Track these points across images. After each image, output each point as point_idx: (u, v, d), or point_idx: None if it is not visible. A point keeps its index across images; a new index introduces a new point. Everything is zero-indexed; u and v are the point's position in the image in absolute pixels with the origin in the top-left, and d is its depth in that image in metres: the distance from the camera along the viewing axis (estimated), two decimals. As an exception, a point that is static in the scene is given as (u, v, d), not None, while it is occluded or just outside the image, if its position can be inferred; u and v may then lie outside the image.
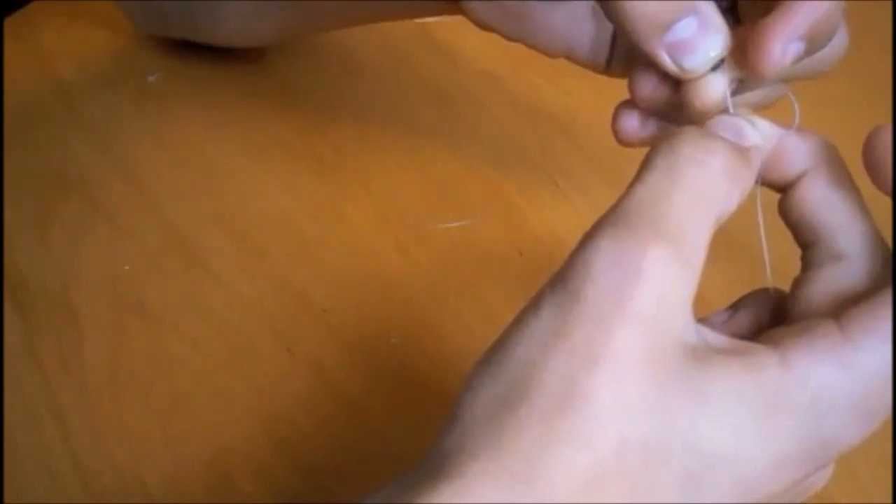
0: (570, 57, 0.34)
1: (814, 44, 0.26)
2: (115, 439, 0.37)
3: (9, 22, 0.54)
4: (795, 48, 0.26)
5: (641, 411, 0.21)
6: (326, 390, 0.39)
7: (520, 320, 0.23)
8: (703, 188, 0.23)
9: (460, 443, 0.22)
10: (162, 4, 0.49)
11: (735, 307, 0.29)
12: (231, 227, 0.45)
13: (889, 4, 0.50)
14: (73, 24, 0.54)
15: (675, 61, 0.26)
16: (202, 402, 0.39)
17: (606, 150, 0.46)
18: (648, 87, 0.28)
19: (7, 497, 0.35)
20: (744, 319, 0.28)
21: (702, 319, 0.26)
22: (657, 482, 0.21)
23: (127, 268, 0.43)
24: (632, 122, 0.30)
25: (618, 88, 0.48)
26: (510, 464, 0.21)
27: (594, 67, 0.36)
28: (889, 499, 0.36)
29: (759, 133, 0.26)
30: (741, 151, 0.25)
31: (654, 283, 0.22)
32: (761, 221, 0.28)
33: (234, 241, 0.44)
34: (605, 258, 0.22)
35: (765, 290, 0.29)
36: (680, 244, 0.22)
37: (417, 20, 0.53)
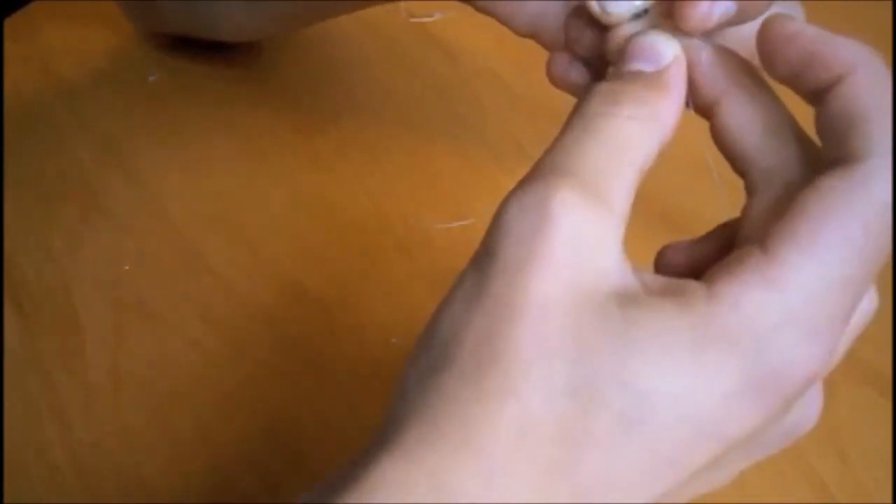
0: (535, 36, 0.34)
1: (745, 11, 0.25)
2: (115, 439, 0.37)
3: (9, 22, 0.54)
4: (724, 7, 0.25)
5: (566, 357, 0.21)
6: (327, 390, 0.39)
7: (449, 288, 0.23)
8: (614, 138, 0.23)
9: (400, 414, 0.22)
10: (158, 3, 0.49)
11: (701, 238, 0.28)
12: (231, 226, 0.45)
13: (889, 4, 0.50)
14: (74, 24, 0.54)
15: (600, 4, 0.26)
16: (202, 402, 0.39)
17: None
18: (576, 30, 0.29)
19: (7, 497, 0.35)
20: (703, 249, 0.28)
21: (670, 246, 0.27)
22: (596, 426, 0.21)
23: (127, 268, 0.43)
24: (561, 65, 0.30)
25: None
26: (445, 428, 0.21)
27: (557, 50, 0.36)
28: (889, 499, 0.36)
29: (677, 46, 0.25)
30: (654, 83, 0.25)
31: (567, 228, 0.21)
32: (708, 151, 0.28)
33: (234, 240, 0.44)
34: (515, 210, 0.22)
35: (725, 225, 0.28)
36: (594, 188, 0.22)
37: (416, 19, 0.53)
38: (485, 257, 0.22)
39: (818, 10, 0.51)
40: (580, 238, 0.21)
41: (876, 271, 0.22)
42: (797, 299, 0.21)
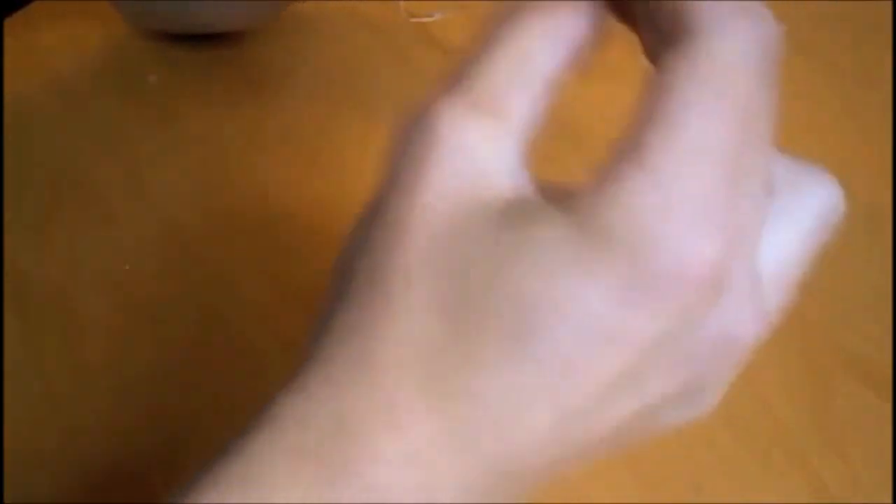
0: None
1: None
2: (116, 439, 0.37)
3: (9, 22, 0.54)
4: None
5: (452, 275, 0.20)
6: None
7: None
8: (511, 52, 0.22)
9: (307, 349, 0.22)
10: (150, 2, 0.49)
11: None
12: (231, 226, 0.45)
13: (889, 4, 0.50)
14: (74, 24, 0.54)
15: None
16: (203, 402, 0.39)
17: (607, 149, 0.46)
18: None
19: (7, 497, 0.35)
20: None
21: None
22: (486, 341, 0.20)
23: (127, 268, 0.43)
24: None
25: (619, 88, 0.48)
26: (338, 356, 0.21)
27: None
28: (889, 499, 0.36)
29: None
30: None
31: (454, 146, 0.21)
32: None
33: (235, 239, 0.44)
34: (405, 133, 0.22)
35: None
36: (487, 104, 0.21)
37: (416, 19, 0.53)
38: (382, 182, 0.22)
39: (818, 10, 0.51)
40: (469, 155, 0.21)
41: (761, 134, 0.21)
42: (672, 184, 0.19)
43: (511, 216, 0.20)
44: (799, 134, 0.46)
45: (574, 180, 0.21)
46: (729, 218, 0.20)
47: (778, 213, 0.23)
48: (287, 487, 0.20)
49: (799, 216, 0.23)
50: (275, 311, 0.42)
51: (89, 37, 0.54)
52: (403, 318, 0.20)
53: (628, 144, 0.20)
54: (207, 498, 0.20)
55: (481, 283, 0.20)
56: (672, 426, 0.24)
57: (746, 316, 0.21)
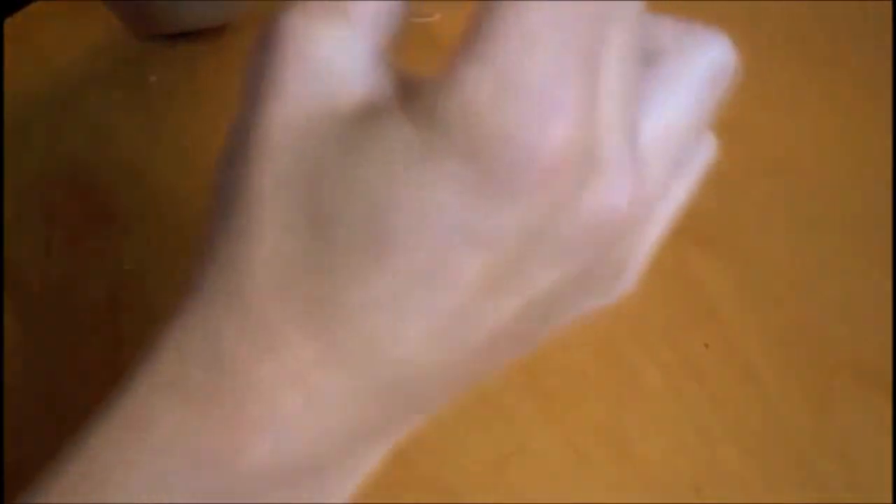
0: None
1: None
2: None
3: (9, 22, 0.54)
4: None
5: (302, 188, 0.19)
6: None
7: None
8: None
9: (189, 283, 0.21)
10: (144, 3, 0.49)
11: None
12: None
13: (889, 4, 0.50)
14: (74, 25, 0.54)
15: None
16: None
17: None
18: None
19: (7, 497, 0.35)
20: None
21: None
22: (347, 254, 0.19)
23: (127, 268, 0.43)
24: None
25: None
26: (213, 288, 0.20)
27: None
28: (889, 499, 0.36)
29: None
30: None
31: (299, 53, 0.20)
32: None
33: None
34: (255, 47, 0.21)
35: None
36: (334, 7, 0.21)
37: (416, 19, 0.53)
38: (241, 97, 0.21)
39: (818, 10, 0.51)
40: (319, 61, 0.20)
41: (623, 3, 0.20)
42: (508, 70, 0.18)
43: (360, 121, 0.19)
44: (799, 134, 0.46)
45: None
46: (581, 95, 0.18)
47: (665, 78, 0.22)
48: (166, 422, 0.20)
49: (687, 80, 0.22)
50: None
51: (90, 37, 0.54)
52: (267, 238, 0.20)
53: (464, 36, 0.19)
54: (95, 433, 0.20)
55: (335, 194, 0.19)
56: (595, 310, 0.23)
57: (622, 189, 0.20)
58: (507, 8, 0.18)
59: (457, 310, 0.19)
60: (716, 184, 0.45)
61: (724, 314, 0.41)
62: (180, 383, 0.20)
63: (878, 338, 0.40)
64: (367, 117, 0.20)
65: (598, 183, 0.19)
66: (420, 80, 0.20)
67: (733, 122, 0.47)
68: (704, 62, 0.22)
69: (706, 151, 0.25)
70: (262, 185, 0.20)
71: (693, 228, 0.43)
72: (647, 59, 0.21)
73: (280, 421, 0.20)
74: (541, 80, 0.18)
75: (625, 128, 0.20)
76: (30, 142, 0.48)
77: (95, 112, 0.50)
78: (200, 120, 0.50)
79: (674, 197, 0.24)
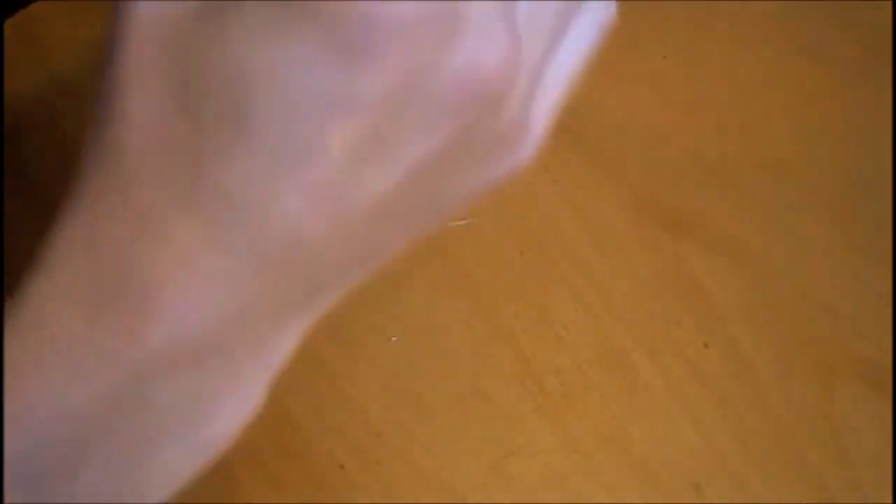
0: None
1: None
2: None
3: (9, 23, 0.54)
4: None
5: (172, 69, 0.19)
6: (327, 388, 0.39)
7: None
8: None
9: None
10: None
11: None
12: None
13: (889, 4, 0.50)
14: (75, 25, 0.54)
15: None
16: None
17: (608, 149, 0.46)
18: None
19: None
20: None
21: None
22: (216, 131, 0.19)
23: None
24: None
25: (620, 87, 0.48)
26: (94, 185, 0.20)
27: None
28: (889, 499, 0.36)
29: None
30: None
31: None
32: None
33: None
34: None
35: None
36: None
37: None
38: None
39: (819, 10, 0.51)
40: None
41: None
42: None
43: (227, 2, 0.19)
44: (799, 134, 0.46)
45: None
46: None
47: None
48: (64, 324, 0.20)
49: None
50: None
51: (91, 37, 0.54)
52: (140, 127, 0.19)
53: None
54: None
55: (198, 74, 0.19)
56: (500, 177, 0.22)
57: (489, 49, 0.19)
58: None
59: (332, 180, 0.19)
60: (716, 184, 0.45)
61: (724, 314, 0.41)
62: (72, 283, 0.20)
63: (879, 337, 0.40)
64: None
65: (464, 42, 0.19)
66: None
67: (733, 121, 0.47)
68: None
69: (601, 12, 0.24)
70: (129, 79, 0.20)
71: (693, 228, 0.43)
72: None
73: (173, 307, 0.20)
74: None
75: None
76: (30, 141, 0.48)
77: (96, 112, 0.50)
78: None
79: (565, 61, 0.23)
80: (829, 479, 0.37)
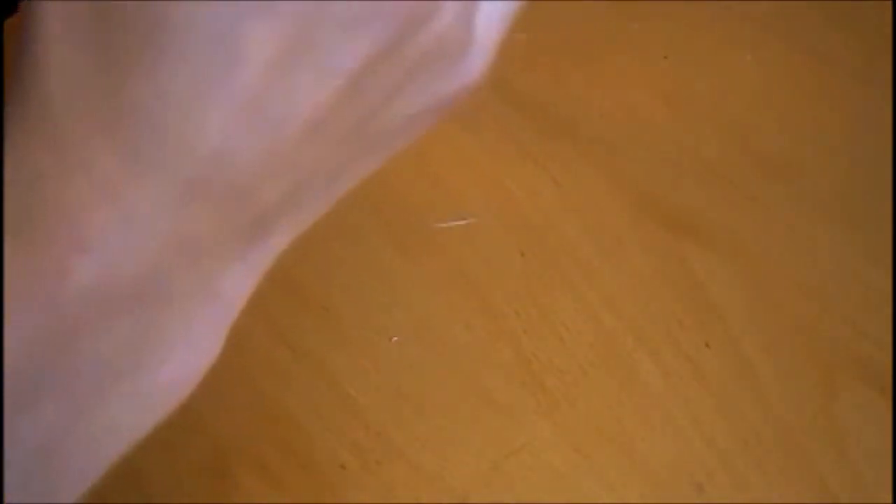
0: None
1: None
2: (116, 438, 0.37)
3: (9, 23, 0.54)
4: None
5: (81, 9, 0.19)
6: (327, 388, 0.39)
7: None
8: None
9: None
10: None
11: None
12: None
13: (889, 4, 0.50)
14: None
15: None
16: (202, 400, 0.38)
17: (608, 149, 0.46)
18: None
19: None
20: None
21: None
22: (122, 49, 0.18)
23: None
24: None
25: (620, 87, 0.48)
26: (18, 119, 0.20)
27: None
28: (889, 499, 0.36)
29: None
30: None
31: None
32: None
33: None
34: None
35: None
36: None
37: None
38: None
39: (819, 10, 0.51)
40: None
41: None
42: None
43: None
44: (799, 134, 0.46)
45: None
46: None
47: None
48: None
49: None
50: (271, 305, 0.41)
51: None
52: (59, 62, 0.19)
53: None
54: None
55: (110, 3, 0.18)
56: (449, 95, 0.22)
57: None
58: None
59: (257, 90, 0.18)
60: (716, 183, 0.45)
61: (724, 314, 0.41)
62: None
63: (879, 337, 0.40)
64: None
65: None
66: None
67: (733, 121, 0.47)
68: None
69: None
70: (45, 18, 0.19)
71: (693, 228, 0.43)
72: None
73: (101, 239, 0.19)
74: None
75: None
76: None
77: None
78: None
79: None
80: (829, 478, 0.37)
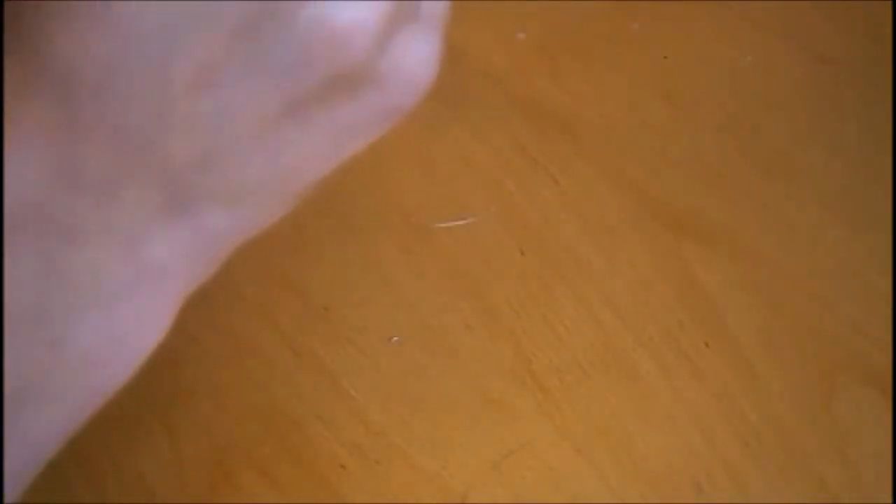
0: None
1: None
2: (118, 437, 0.37)
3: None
4: None
5: None
6: (328, 388, 0.39)
7: None
8: None
9: None
10: None
11: None
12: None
13: (889, 4, 0.50)
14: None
15: None
16: (204, 400, 0.38)
17: (608, 149, 0.46)
18: None
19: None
20: None
21: None
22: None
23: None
24: None
25: (620, 87, 0.48)
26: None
27: None
28: (889, 499, 0.36)
29: None
30: None
31: None
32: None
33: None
34: None
35: None
36: None
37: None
38: None
39: (818, 10, 0.51)
40: None
41: None
42: None
43: None
44: (799, 134, 0.46)
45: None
46: None
47: None
48: None
49: None
50: (271, 305, 0.41)
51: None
52: None
53: None
54: None
55: None
56: (379, 118, 0.22)
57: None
58: None
59: (181, 89, 0.18)
60: (716, 184, 0.45)
61: (724, 314, 0.41)
62: None
63: (879, 337, 0.40)
64: None
65: None
66: None
67: (733, 121, 0.47)
68: None
69: None
70: None
71: (693, 228, 0.43)
72: None
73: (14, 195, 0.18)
74: None
75: None
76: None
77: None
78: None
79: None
80: (829, 478, 0.37)
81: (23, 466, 0.21)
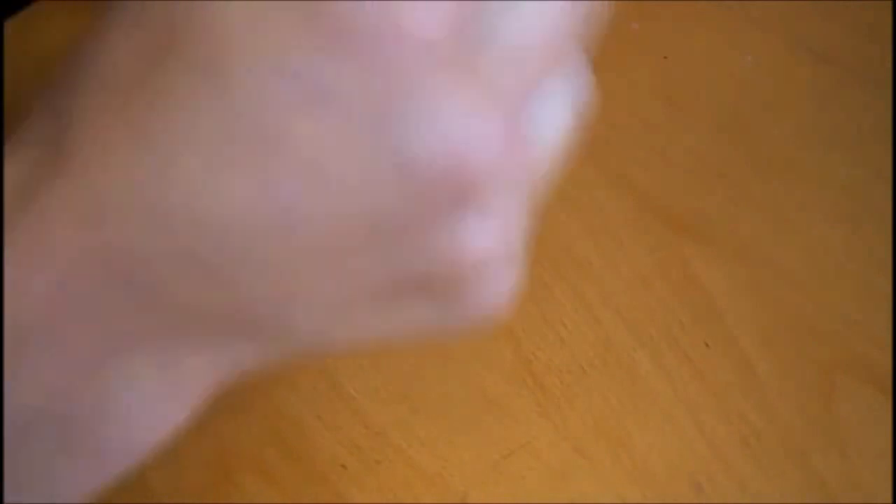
0: None
1: None
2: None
3: (9, 22, 0.54)
4: None
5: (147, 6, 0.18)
6: (328, 387, 0.39)
7: None
8: None
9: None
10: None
11: None
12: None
13: (889, 4, 0.50)
14: (75, 26, 0.54)
15: None
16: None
17: (608, 150, 0.46)
18: None
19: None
20: None
21: None
22: (177, 77, 0.17)
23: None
24: None
25: (620, 87, 0.48)
26: (50, 105, 0.20)
27: None
28: (890, 499, 0.36)
29: None
30: None
31: None
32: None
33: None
34: None
35: None
36: None
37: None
38: None
39: (818, 10, 0.51)
40: None
41: None
42: None
43: None
44: (799, 134, 0.46)
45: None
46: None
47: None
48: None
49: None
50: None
51: (90, 37, 0.53)
52: (109, 45, 0.19)
53: None
54: None
55: (175, 21, 0.17)
56: (439, 327, 0.22)
57: (490, 125, 0.18)
58: None
59: (277, 176, 0.17)
60: (716, 183, 0.45)
61: (724, 314, 0.41)
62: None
63: (879, 336, 0.40)
64: None
65: (470, 100, 0.18)
66: None
67: (733, 121, 0.47)
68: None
69: (573, 89, 0.22)
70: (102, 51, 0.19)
71: (693, 228, 0.43)
72: None
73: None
74: None
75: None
76: (30, 141, 0.48)
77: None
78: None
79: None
80: (829, 477, 0.37)
81: None
